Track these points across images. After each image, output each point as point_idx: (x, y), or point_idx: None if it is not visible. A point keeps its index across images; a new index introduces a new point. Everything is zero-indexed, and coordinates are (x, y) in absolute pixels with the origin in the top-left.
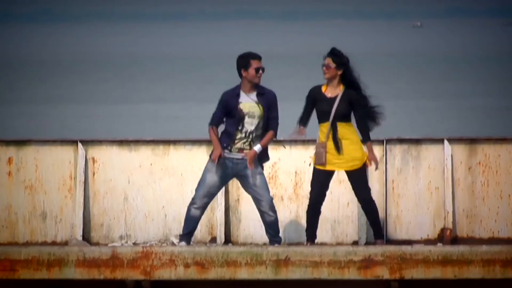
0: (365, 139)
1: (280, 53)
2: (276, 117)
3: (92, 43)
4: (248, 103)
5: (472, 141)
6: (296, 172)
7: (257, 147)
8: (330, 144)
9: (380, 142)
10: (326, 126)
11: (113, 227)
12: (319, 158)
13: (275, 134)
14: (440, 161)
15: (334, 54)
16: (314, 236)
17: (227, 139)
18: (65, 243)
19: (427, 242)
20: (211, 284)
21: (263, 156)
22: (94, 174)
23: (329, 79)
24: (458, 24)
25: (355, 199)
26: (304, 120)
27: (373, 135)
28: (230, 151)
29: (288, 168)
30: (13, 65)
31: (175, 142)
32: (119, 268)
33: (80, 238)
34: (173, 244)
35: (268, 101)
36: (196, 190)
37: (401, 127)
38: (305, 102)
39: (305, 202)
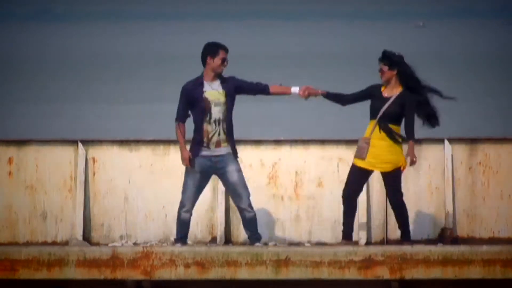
0: (408, 137)
1: (280, 53)
2: (253, 81)
3: (92, 43)
4: (213, 91)
5: (472, 141)
6: (296, 172)
7: (294, 88)
8: (372, 142)
9: None
10: (372, 123)
11: (114, 227)
12: (360, 152)
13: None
14: (441, 161)
15: (385, 56)
16: (350, 236)
17: (200, 136)
18: (66, 243)
19: (428, 242)
20: (211, 284)
21: (235, 150)
22: (94, 174)
23: (386, 81)
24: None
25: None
26: (344, 97)
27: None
28: (209, 147)
29: (288, 168)
30: (13, 65)
31: (175, 142)
32: (120, 268)
33: (81, 238)
34: (173, 244)
35: (234, 83)
36: (182, 193)
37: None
38: (363, 89)
39: (306, 202)
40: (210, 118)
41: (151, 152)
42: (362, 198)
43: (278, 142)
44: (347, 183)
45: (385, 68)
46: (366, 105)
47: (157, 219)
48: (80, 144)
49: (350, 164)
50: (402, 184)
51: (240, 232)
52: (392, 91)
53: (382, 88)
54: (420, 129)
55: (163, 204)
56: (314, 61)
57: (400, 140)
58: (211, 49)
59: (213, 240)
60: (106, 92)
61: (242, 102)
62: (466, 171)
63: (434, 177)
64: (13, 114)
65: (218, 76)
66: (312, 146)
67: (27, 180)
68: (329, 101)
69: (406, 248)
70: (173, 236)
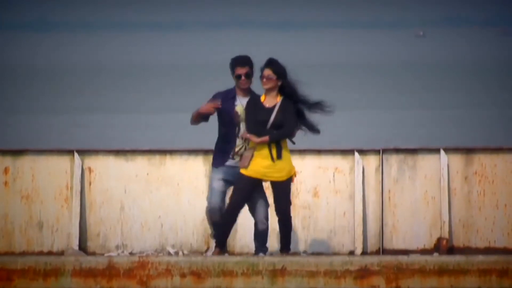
0: (272, 134)
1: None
2: None
3: (88, 53)
4: (243, 106)
5: (468, 150)
6: (294, 182)
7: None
8: (260, 154)
9: (376, 151)
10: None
11: (110, 237)
12: (243, 162)
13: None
14: (437, 170)
15: (274, 65)
16: (224, 244)
17: (227, 147)
18: (62, 253)
19: (424, 252)
20: None
21: None
22: (90, 184)
23: (269, 89)
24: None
25: (351, 209)
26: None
27: (369, 144)
28: (233, 159)
29: None
30: (9, 75)
31: (171, 152)
32: (115, 277)
33: (77, 248)
34: (169, 253)
35: None
36: (210, 201)
37: (398, 137)
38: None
39: (301, 212)
40: (239, 132)
41: (147, 162)
42: (358, 208)
43: None
44: (234, 196)
45: (274, 76)
46: (365, 117)
47: (153, 229)
48: (76, 154)
49: (347, 174)
50: (398, 193)
51: (236, 242)
52: (273, 101)
53: (262, 98)
54: (415, 139)
55: (159, 214)
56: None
57: (286, 150)
58: (230, 66)
59: (209, 249)
60: (102, 102)
61: None
62: (462, 180)
63: (430, 186)
64: (10, 123)
65: (249, 91)
66: (308, 156)
67: (23, 190)
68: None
69: (402, 258)
70: (169, 246)
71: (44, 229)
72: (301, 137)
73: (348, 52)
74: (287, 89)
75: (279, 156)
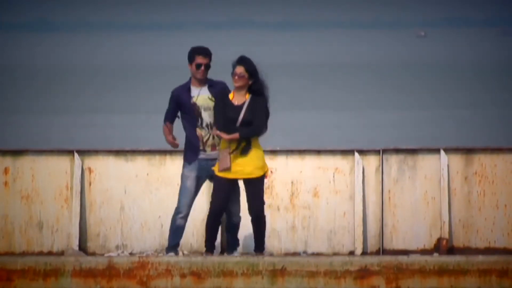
0: (241, 131)
1: (277, 62)
2: None
3: (88, 53)
4: (201, 96)
5: (468, 151)
6: (292, 182)
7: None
8: (232, 151)
9: (376, 152)
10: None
11: (110, 237)
12: (224, 163)
13: None
14: (437, 171)
15: (246, 63)
16: (213, 247)
17: (195, 142)
18: (62, 253)
19: (424, 252)
20: None
21: None
22: (90, 184)
23: (240, 87)
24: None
25: (351, 209)
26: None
27: (369, 145)
28: (205, 151)
29: (284, 178)
30: (9, 75)
31: (171, 152)
32: (115, 278)
33: (77, 248)
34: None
35: (221, 88)
36: (180, 199)
37: (398, 137)
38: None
39: (301, 212)
40: (202, 123)
41: (147, 162)
42: (358, 209)
43: (274, 152)
44: (216, 199)
45: (246, 74)
46: (365, 117)
47: (153, 229)
48: (76, 154)
49: (347, 174)
50: (398, 194)
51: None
52: (241, 99)
53: (231, 96)
54: (415, 139)
55: (159, 214)
56: (312, 71)
57: (258, 146)
58: (189, 55)
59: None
60: (102, 102)
61: None
62: (462, 181)
63: (430, 187)
64: (10, 124)
65: (205, 81)
66: (308, 156)
67: (23, 190)
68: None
69: (402, 258)
70: None
71: (44, 229)
72: (301, 137)
73: (348, 52)
74: (255, 87)
75: (244, 152)
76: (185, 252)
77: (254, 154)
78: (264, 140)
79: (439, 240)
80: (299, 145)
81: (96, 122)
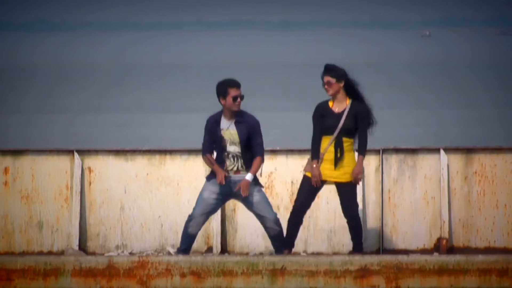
0: (362, 152)
1: (278, 62)
2: (261, 143)
3: (89, 53)
4: (228, 130)
5: (468, 150)
6: (292, 182)
7: (249, 176)
8: (328, 156)
9: (376, 151)
10: (328, 138)
11: (110, 237)
12: (308, 166)
13: (262, 160)
14: (436, 170)
15: (330, 69)
16: (293, 246)
17: (221, 164)
18: (62, 253)
19: (423, 251)
20: None
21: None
22: (90, 184)
23: (334, 94)
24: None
25: None
26: (316, 144)
27: (369, 144)
28: (228, 172)
29: (284, 177)
30: (9, 75)
31: (171, 152)
32: (115, 277)
33: (76, 248)
34: (169, 253)
35: (248, 127)
36: (195, 208)
37: (398, 137)
38: (313, 121)
39: None
40: (228, 154)
41: (147, 162)
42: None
43: (274, 152)
44: (300, 197)
45: (333, 80)
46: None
47: (153, 229)
48: (76, 154)
49: None
50: (398, 193)
51: (236, 242)
52: (341, 105)
53: (330, 104)
54: (415, 139)
55: (159, 214)
56: (313, 71)
57: (352, 153)
58: (220, 89)
59: (209, 249)
60: (102, 102)
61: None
62: (462, 180)
63: (430, 186)
64: (9, 124)
65: (236, 113)
66: (308, 156)
67: (23, 190)
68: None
69: (402, 258)
70: (169, 246)
71: (44, 229)
72: (301, 136)
73: (348, 52)
74: (351, 90)
75: (346, 158)
76: None
77: (346, 160)
78: (264, 139)
79: (439, 239)
80: (299, 145)
81: (96, 122)
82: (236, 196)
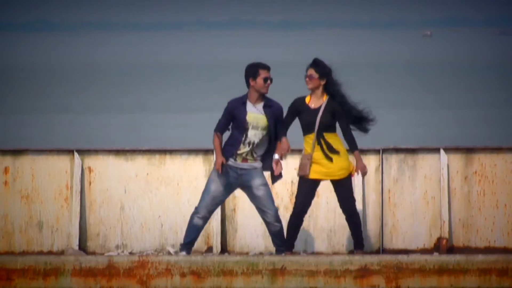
0: (352, 148)
1: (278, 62)
2: (284, 130)
3: (88, 53)
4: (254, 114)
5: (468, 150)
6: (292, 182)
7: (276, 156)
8: (317, 155)
9: (376, 151)
10: (311, 137)
11: (110, 237)
12: (303, 169)
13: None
14: (436, 170)
15: (317, 64)
16: (293, 247)
17: (231, 148)
18: (62, 253)
19: (423, 251)
20: None
21: (268, 166)
22: (90, 184)
23: (313, 89)
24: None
25: None
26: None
27: (369, 144)
28: (235, 160)
29: (284, 177)
30: (9, 75)
31: (171, 151)
32: (115, 277)
33: (77, 248)
34: (169, 253)
35: (275, 113)
36: (201, 199)
37: (398, 137)
38: (287, 112)
39: None
40: (245, 139)
41: (147, 161)
42: (358, 208)
43: None
44: (299, 198)
45: (316, 75)
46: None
47: (153, 229)
48: (76, 154)
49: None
50: (398, 193)
51: (236, 242)
52: (318, 101)
53: (307, 100)
54: (415, 139)
55: (159, 213)
56: None
57: (341, 147)
58: (251, 71)
59: (209, 249)
60: (102, 102)
61: None
62: (462, 180)
63: (430, 186)
64: (9, 124)
65: (263, 97)
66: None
67: (23, 190)
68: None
69: (402, 258)
70: (169, 245)
71: (44, 229)
72: (301, 136)
73: (348, 52)
74: (331, 89)
75: (335, 152)
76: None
77: (338, 155)
78: None
79: (439, 239)
80: (299, 145)
81: (96, 121)
82: (243, 186)
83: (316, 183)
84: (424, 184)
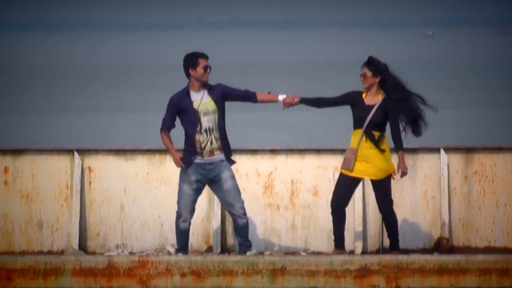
0: (398, 148)
1: (277, 62)
2: (241, 88)
3: (88, 53)
4: (199, 101)
5: (468, 150)
6: (292, 182)
7: (281, 96)
8: (361, 152)
9: None
10: (359, 132)
11: (110, 236)
12: (347, 164)
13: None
14: (437, 170)
15: (370, 62)
16: (342, 244)
17: (193, 147)
18: (62, 252)
19: (423, 251)
20: None
21: (230, 157)
22: (90, 184)
23: (368, 88)
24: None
25: (351, 209)
26: (322, 100)
27: None
28: (203, 156)
29: (284, 177)
30: (8, 75)
31: None
32: (115, 277)
33: (77, 247)
34: (169, 253)
35: (219, 92)
36: (178, 203)
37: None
38: (342, 94)
39: (301, 211)
40: (201, 128)
41: (147, 161)
42: (358, 208)
43: (274, 151)
44: (336, 192)
45: (369, 73)
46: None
47: (153, 228)
48: (76, 154)
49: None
50: (398, 193)
51: (236, 242)
52: (374, 99)
53: (364, 96)
54: (415, 139)
55: (159, 213)
56: (313, 71)
57: (386, 148)
58: (190, 61)
59: (209, 249)
60: (102, 102)
61: (237, 110)
62: (462, 180)
63: (430, 186)
64: (9, 123)
65: (204, 85)
66: (308, 155)
67: (23, 190)
68: (306, 105)
69: (402, 258)
70: (169, 245)
71: (44, 228)
72: (301, 136)
73: (349, 52)
74: (386, 85)
75: (380, 151)
76: None
77: (380, 156)
78: (264, 139)
79: (439, 239)
80: (299, 144)
81: (96, 121)
82: (212, 181)
83: (356, 180)
84: (424, 184)
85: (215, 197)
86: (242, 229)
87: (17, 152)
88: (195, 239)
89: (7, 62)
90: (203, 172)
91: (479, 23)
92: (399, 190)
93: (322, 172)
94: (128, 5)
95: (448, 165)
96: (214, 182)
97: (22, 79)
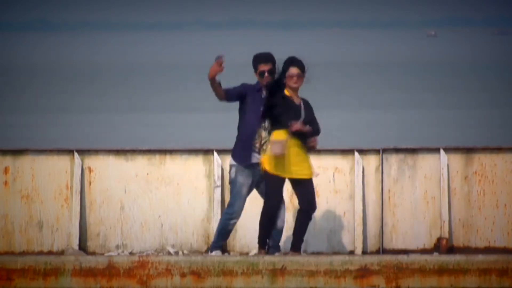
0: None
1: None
2: None
3: (88, 53)
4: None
5: (468, 150)
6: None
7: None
8: (292, 151)
9: (376, 151)
10: (286, 131)
11: (110, 237)
12: (275, 148)
13: None
14: (436, 170)
15: (300, 62)
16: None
17: (253, 141)
18: (62, 253)
19: (423, 251)
20: None
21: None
22: (90, 184)
23: (298, 88)
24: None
25: (351, 209)
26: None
27: (369, 144)
28: (259, 154)
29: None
30: (8, 75)
31: (171, 151)
32: (116, 277)
33: (77, 248)
34: (169, 253)
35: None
36: (234, 205)
37: (398, 137)
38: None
39: None
40: (265, 125)
41: (147, 161)
42: (358, 208)
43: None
44: (271, 196)
45: (303, 74)
46: (365, 116)
47: (153, 229)
48: (76, 154)
49: (347, 174)
50: (398, 193)
51: (236, 242)
52: (298, 98)
53: (287, 93)
54: (415, 139)
55: (159, 213)
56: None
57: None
58: (253, 64)
59: (209, 249)
60: (102, 102)
61: (237, 110)
62: (462, 180)
63: (430, 186)
64: (9, 123)
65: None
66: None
67: (23, 190)
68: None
69: (402, 258)
70: (169, 245)
71: (44, 228)
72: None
73: (349, 52)
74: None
75: (303, 152)
76: (185, 251)
77: (305, 155)
78: None
79: (439, 239)
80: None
81: (96, 121)
82: (256, 184)
83: (285, 180)
84: (424, 184)
85: (216, 197)
86: (279, 233)
87: (17, 152)
88: (195, 239)
89: (7, 62)
90: (257, 173)
91: (479, 23)
92: (399, 190)
93: (322, 172)
94: (128, 5)
95: (448, 165)
96: (258, 183)
97: (22, 79)
